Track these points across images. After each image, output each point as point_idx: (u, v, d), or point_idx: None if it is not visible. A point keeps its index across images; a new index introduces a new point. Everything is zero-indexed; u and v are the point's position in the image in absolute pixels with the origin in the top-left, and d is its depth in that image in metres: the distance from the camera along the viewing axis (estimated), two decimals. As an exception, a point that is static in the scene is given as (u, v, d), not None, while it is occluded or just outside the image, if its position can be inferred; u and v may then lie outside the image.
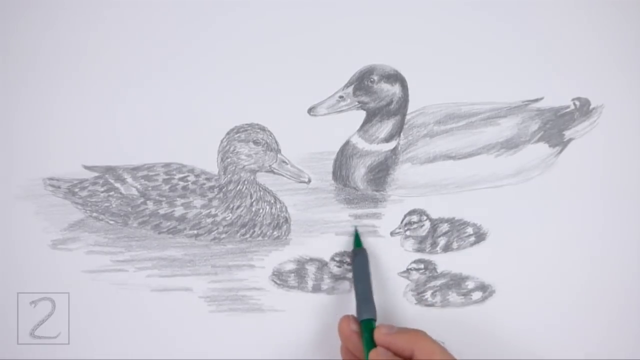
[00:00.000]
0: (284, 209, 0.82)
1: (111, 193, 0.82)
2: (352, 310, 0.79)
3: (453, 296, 0.81)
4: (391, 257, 0.81)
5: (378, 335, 0.73)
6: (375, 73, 0.82)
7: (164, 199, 0.82)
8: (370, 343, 0.73)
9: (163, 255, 0.82)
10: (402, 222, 0.82)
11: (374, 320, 0.75)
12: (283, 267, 0.81)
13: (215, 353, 0.80)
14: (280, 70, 0.82)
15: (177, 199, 0.82)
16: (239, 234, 0.82)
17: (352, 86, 0.82)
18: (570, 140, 0.83)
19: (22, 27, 0.83)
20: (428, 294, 0.81)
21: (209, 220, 0.82)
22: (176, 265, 0.81)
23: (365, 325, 0.75)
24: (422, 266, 0.81)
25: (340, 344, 0.77)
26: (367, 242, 0.81)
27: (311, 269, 0.81)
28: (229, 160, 0.82)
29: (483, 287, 0.81)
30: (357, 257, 0.79)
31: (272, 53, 0.82)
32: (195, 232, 0.82)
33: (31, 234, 0.82)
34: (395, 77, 0.82)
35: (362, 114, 0.83)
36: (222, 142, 0.82)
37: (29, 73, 0.83)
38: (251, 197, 0.82)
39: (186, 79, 0.83)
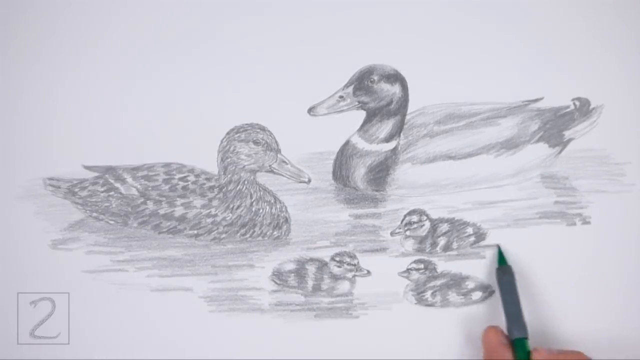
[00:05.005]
0: (284, 209, 0.82)
1: (111, 193, 0.82)
2: (351, 313, 0.80)
3: (453, 296, 0.81)
4: (391, 257, 0.81)
5: (539, 358, 0.72)
6: (375, 73, 0.82)
7: (164, 199, 0.82)
8: None
9: (163, 255, 0.82)
10: (402, 222, 0.82)
11: (527, 339, 0.74)
12: (283, 267, 0.81)
13: (215, 353, 0.80)
14: (280, 70, 0.82)
15: (177, 199, 0.82)
16: (239, 234, 0.82)
17: (352, 86, 0.82)
18: (570, 140, 0.83)
19: (22, 27, 0.83)
20: (428, 294, 0.81)
21: (209, 220, 0.82)
22: (176, 265, 0.81)
23: (518, 344, 0.74)
24: (422, 266, 0.81)
25: (483, 355, 0.75)
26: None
27: (311, 269, 0.81)
28: (229, 160, 0.82)
29: (483, 287, 0.81)
30: (505, 276, 0.78)
31: (272, 53, 0.83)
32: (195, 232, 0.82)
33: (31, 234, 0.82)
34: (395, 77, 0.82)
35: (362, 114, 0.83)
36: (222, 142, 0.82)
37: (30, 73, 0.83)
38: (251, 197, 0.82)
39: (186, 79, 0.83)
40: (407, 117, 0.83)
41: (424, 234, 0.82)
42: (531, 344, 0.76)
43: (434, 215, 0.82)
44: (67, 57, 0.83)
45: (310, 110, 0.82)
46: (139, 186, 0.82)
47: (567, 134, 0.83)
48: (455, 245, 0.82)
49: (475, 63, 0.83)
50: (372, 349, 0.80)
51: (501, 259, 0.80)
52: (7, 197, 0.82)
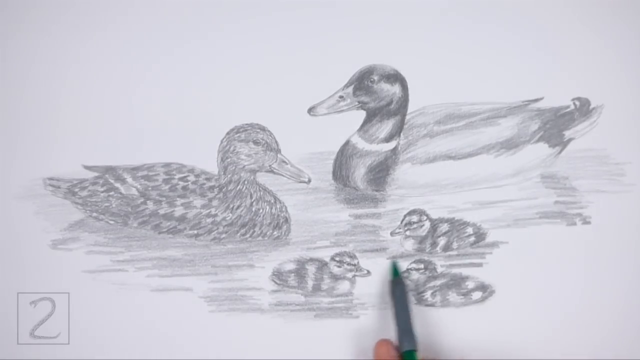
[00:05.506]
0: (284, 209, 0.82)
1: (111, 193, 0.82)
2: (351, 313, 0.80)
3: (453, 296, 0.81)
4: (391, 257, 0.81)
5: None
6: (375, 73, 0.82)
7: (164, 199, 0.82)
8: None
9: (163, 255, 0.82)
10: (402, 222, 0.82)
11: (416, 351, 0.75)
12: (283, 267, 0.81)
13: (215, 353, 0.80)
14: (280, 70, 0.82)
15: (177, 198, 0.82)
16: (239, 234, 0.82)
17: (352, 86, 0.82)
18: (570, 140, 0.83)
19: (22, 28, 0.83)
20: (428, 294, 0.81)
21: (209, 220, 0.82)
22: (176, 265, 0.81)
23: (407, 357, 0.74)
24: (422, 266, 0.81)
25: None
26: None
27: (311, 268, 0.81)
28: (229, 160, 0.82)
29: (483, 287, 0.81)
30: (397, 288, 0.78)
31: (272, 53, 0.83)
32: (195, 232, 0.82)
33: (31, 234, 0.82)
34: (395, 77, 0.82)
35: (362, 114, 0.83)
36: (222, 142, 0.82)
37: (30, 73, 0.83)
38: (251, 197, 0.82)
39: (186, 79, 0.83)
40: (407, 117, 0.83)
41: (424, 234, 0.82)
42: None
43: (434, 215, 0.82)
44: (67, 57, 0.83)
45: (310, 110, 0.82)
46: (139, 186, 0.82)
47: (567, 133, 0.83)
48: (455, 245, 0.82)
49: (475, 63, 0.83)
50: (372, 349, 0.80)
51: (395, 272, 0.80)
52: (7, 197, 0.82)
